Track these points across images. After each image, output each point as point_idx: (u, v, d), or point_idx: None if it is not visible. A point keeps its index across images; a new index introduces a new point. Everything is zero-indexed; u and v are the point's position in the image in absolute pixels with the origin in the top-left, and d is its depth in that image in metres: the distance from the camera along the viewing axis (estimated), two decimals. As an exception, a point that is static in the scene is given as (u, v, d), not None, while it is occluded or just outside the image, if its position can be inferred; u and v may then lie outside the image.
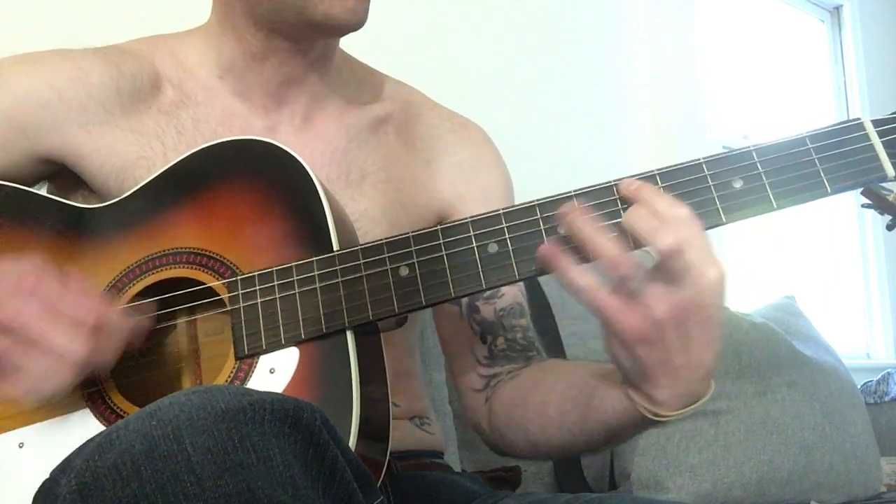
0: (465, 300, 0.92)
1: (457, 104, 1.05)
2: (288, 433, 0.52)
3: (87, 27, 1.40)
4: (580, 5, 2.28)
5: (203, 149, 0.80)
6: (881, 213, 0.80)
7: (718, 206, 0.70)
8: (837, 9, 3.24)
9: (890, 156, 0.70)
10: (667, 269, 0.66)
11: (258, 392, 0.55)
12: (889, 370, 2.32)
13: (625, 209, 0.71)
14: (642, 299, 0.66)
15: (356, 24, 0.83)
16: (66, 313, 0.67)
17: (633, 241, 0.69)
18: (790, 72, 3.05)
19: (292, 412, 0.53)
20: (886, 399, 2.23)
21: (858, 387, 1.90)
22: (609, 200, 0.71)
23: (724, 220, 0.71)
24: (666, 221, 0.67)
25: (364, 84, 0.98)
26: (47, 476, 0.54)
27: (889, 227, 0.81)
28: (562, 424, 0.81)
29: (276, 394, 0.55)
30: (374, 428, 0.71)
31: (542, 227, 0.72)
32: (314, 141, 0.92)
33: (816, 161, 0.70)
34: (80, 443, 0.54)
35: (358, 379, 0.68)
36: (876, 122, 0.72)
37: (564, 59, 2.21)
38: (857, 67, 3.16)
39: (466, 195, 0.97)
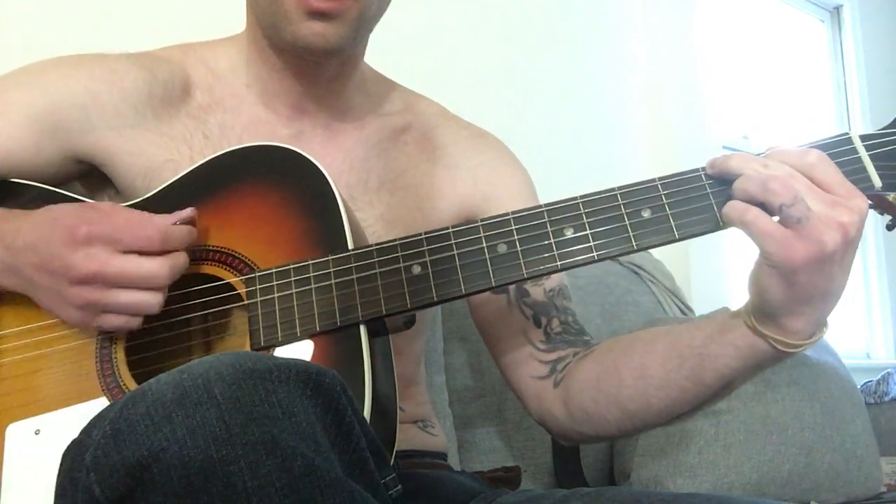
0: (512, 286, 0.94)
1: (454, 104, 1.07)
2: (310, 395, 0.55)
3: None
4: (577, 4, 2.28)
5: (228, 152, 0.82)
6: (881, 213, 0.81)
7: (716, 211, 0.73)
8: (837, 9, 3.24)
9: (877, 168, 0.74)
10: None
11: (282, 358, 0.57)
12: (889, 370, 2.32)
13: (628, 214, 0.74)
14: (811, 224, 0.68)
15: (327, 49, 0.84)
16: (131, 243, 0.72)
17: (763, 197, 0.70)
18: (790, 72, 3.06)
19: (315, 376, 0.55)
20: (886, 399, 2.23)
21: (858, 387, 1.90)
22: (612, 206, 0.74)
23: (722, 225, 0.73)
24: (774, 163, 0.71)
25: (384, 96, 1.01)
26: (73, 439, 0.56)
27: (889, 227, 0.81)
28: (668, 383, 0.82)
29: (299, 360, 0.57)
30: (382, 423, 0.73)
31: (549, 230, 0.75)
32: (335, 150, 0.94)
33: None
34: None
35: (370, 372, 0.70)
36: (864, 137, 0.75)
37: (562, 58, 2.20)
38: (857, 67, 3.16)
39: (491, 195, 0.99)
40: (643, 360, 0.84)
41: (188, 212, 0.77)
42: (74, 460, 0.54)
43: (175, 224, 0.75)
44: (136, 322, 0.74)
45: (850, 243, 0.69)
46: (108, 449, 0.52)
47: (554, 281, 0.96)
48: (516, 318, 0.94)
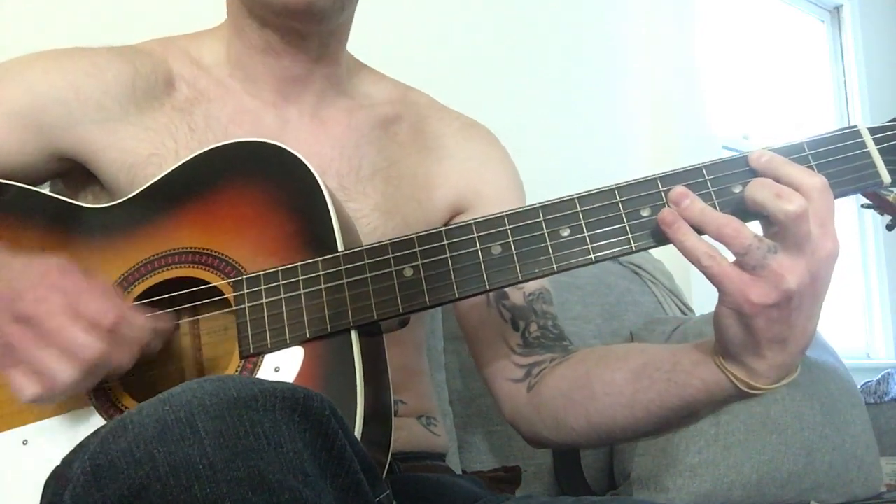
0: None
1: (456, 103, 1.06)
2: (298, 421, 0.53)
3: (86, 31, 1.41)
4: (580, 4, 2.27)
5: (210, 150, 0.80)
6: (881, 214, 0.80)
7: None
8: (837, 9, 3.24)
9: (886, 163, 0.71)
10: (790, 236, 0.66)
11: (269, 381, 0.55)
12: (889, 370, 2.32)
13: (627, 214, 0.71)
14: (768, 271, 0.66)
15: (312, 10, 0.84)
16: (85, 311, 0.66)
17: (756, 210, 0.68)
18: (790, 72, 3.06)
19: (302, 401, 0.54)
20: (886, 399, 2.23)
21: (858, 387, 1.90)
22: (610, 204, 0.72)
23: None
24: (791, 188, 0.67)
25: (372, 87, 1.00)
26: (56, 467, 0.54)
27: (889, 227, 0.81)
28: (634, 402, 0.81)
29: (287, 383, 0.56)
30: (377, 428, 0.72)
31: (545, 231, 0.72)
32: (324, 138, 0.93)
33: (814, 168, 0.71)
34: None
35: (362, 378, 0.69)
36: (872, 130, 0.72)
37: (564, 59, 2.20)
38: (857, 67, 3.16)
39: (481, 189, 0.98)
40: (614, 376, 0.83)
41: (166, 324, 0.74)
42: (56, 493, 0.52)
43: (144, 323, 0.70)
44: (30, 393, 0.65)
45: (814, 292, 0.68)
46: (88, 487, 0.50)
47: (534, 285, 0.95)
48: (495, 320, 0.94)
